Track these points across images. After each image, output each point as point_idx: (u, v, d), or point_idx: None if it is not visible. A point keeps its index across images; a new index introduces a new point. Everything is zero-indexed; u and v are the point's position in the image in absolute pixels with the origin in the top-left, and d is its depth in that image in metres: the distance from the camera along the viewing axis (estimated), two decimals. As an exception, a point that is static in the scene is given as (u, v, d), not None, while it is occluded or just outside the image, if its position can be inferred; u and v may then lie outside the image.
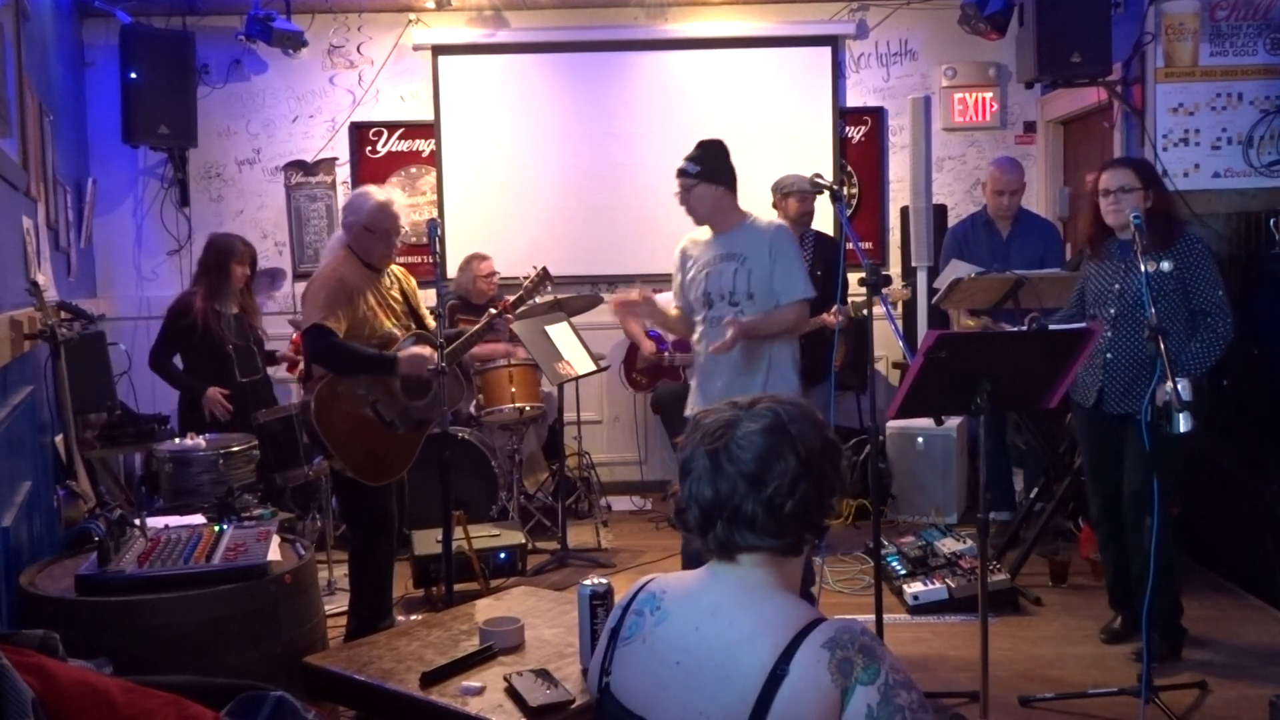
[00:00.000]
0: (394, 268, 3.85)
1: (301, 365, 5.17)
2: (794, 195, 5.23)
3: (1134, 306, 3.63)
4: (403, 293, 3.86)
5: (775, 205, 5.29)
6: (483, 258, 5.77)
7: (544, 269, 4.31)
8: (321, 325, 3.51)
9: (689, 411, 3.69)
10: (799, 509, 1.58)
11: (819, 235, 5.43)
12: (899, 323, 4.73)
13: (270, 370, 5.17)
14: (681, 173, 3.69)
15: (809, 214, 5.31)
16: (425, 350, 3.64)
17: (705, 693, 1.54)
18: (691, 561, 3.66)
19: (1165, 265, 3.63)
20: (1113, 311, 3.70)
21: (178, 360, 4.86)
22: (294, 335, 5.22)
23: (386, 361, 3.61)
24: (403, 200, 3.82)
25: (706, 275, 3.70)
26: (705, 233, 3.76)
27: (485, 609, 3.00)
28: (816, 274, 5.10)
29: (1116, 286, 3.71)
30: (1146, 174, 3.71)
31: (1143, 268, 3.25)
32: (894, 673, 1.51)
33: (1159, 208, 3.63)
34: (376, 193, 3.74)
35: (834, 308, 4.85)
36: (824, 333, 4.89)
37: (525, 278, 4.30)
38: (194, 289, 4.90)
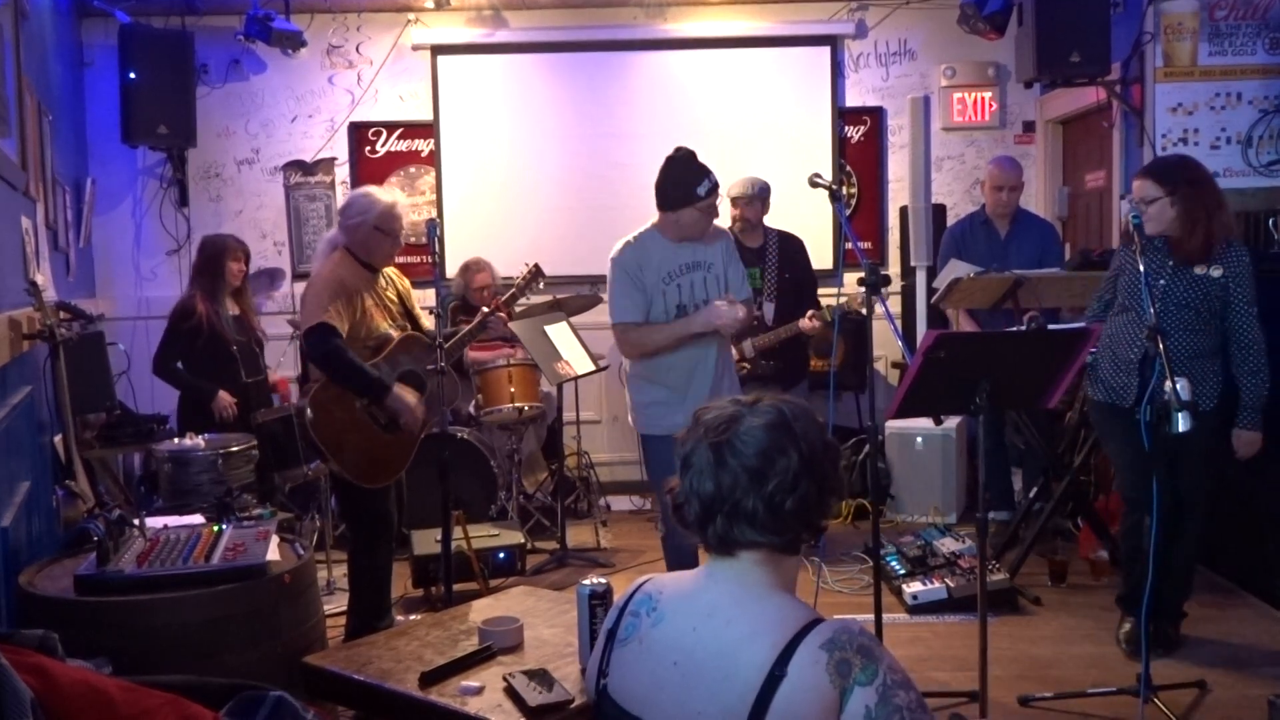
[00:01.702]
0: (388, 269, 3.86)
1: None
2: (732, 200, 4.96)
3: (1179, 308, 3.58)
4: (398, 294, 3.86)
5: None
6: (479, 269, 5.67)
7: (536, 266, 4.30)
8: (325, 323, 3.50)
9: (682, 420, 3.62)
10: (799, 506, 1.59)
11: (782, 235, 5.14)
12: (898, 322, 4.73)
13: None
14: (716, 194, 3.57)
15: (745, 220, 4.99)
16: (416, 405, 3.66)
17: (703, 693, 1.54)
18: (676, 558, 3.66)
19: (1215, 271, 3.56)
20: (1157, 307, 3.52)
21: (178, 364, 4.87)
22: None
23: (380, 388, 3.60)
24: (403, 200, 3.82)
25: (678, 287, 3.67)
26: (652, 241, 3.66)
27: (484, 609, 2.99)
28: (785, 276, 5.07)
29: (1162, 282, 3.61)
30: (1171, 178, 3.54)
31: (1141, 267, 3.25)
32: (892, 673, 1.51)
33: (1192, 210, 3.50)
34: (381, 193, 3.74)
35: (809, 313, 4.80)
36: (799, 335, 4.87)
37: (520, 276, 4.30)
38: (192, 291, 4.90)
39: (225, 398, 4.77)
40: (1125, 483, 3.90)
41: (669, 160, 3.64)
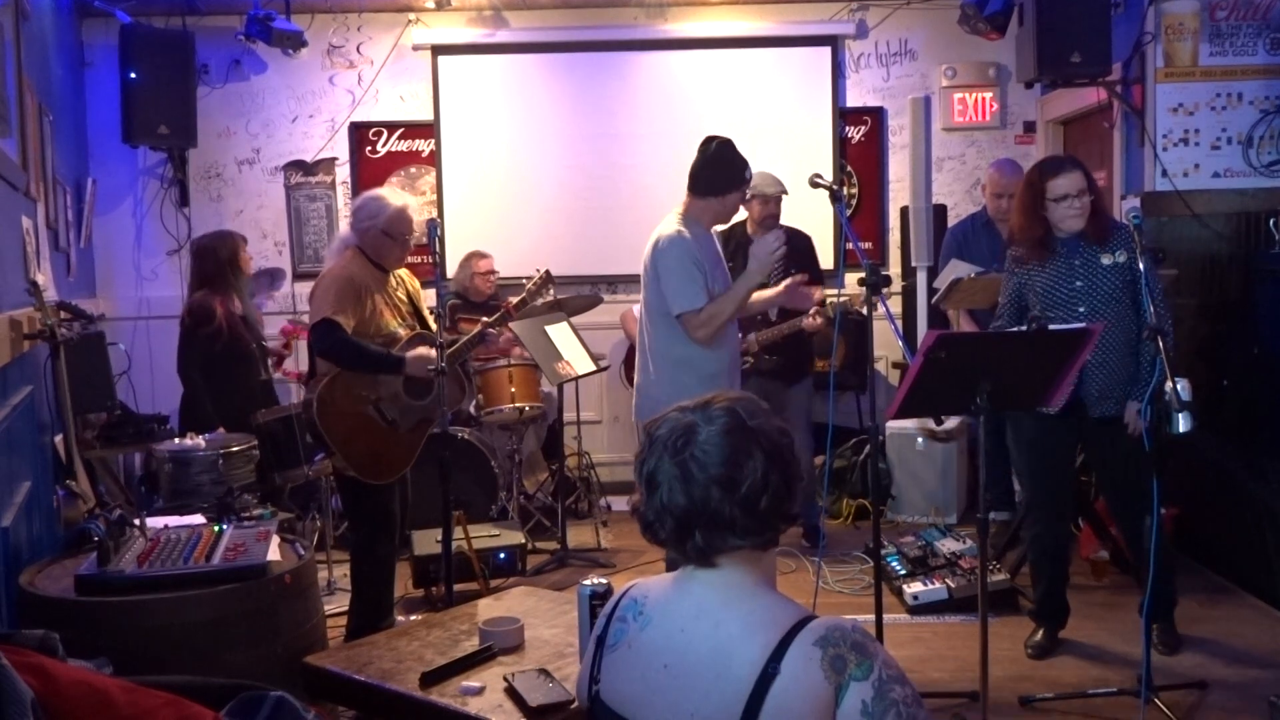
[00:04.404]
0: (399, 269, 3.88)
1: (286, 363, 5.18)
2: (756, 198, 4.96)
3: (1105, 303, 3.55)
4: (408, 294, 3.89)
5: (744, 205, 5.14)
6: (482, 255, 5.78)
7: (547, 272, 4.33)
8: (330, 319, 3.51)
9: None
10: (773, 502, 1.58)
11: (791, 232, 4.94)
12: (899, 323, 4.73)
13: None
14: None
15: (772, 217, 5.01)
16: (429, 351, 3.65)
17: (696, 694, 1.55)
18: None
19: (1120, 257, 3.56)
20: (1082, 310, 3.57)
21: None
22: (282, 326, 5.19)
23: (394, 361, 3.61)
24: (413, 203, 3.83)
25: (722, 272, 3.73)
26: (694, 228, 3.64)
27: (485, 609, 3.00)
28: (791, 272, 5.07)
29: (1079, 284, 3.59)
30: (1087, 171, 3.61)
31: (1141, 266, 3.24)
32: (887, 668, 1.51)
33: (1099, 203, 3.57)
34: (393, 197, 3.75)
35: (812, 309, 4.79)
36: (801, 332, 4.88)
37: (528, 279, 4.30)
38: (209, 293, 4.81)
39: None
40: (1031, 489, 3.90)
41: (716, 147, 3.64)
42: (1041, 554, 3.88)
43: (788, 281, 3.85)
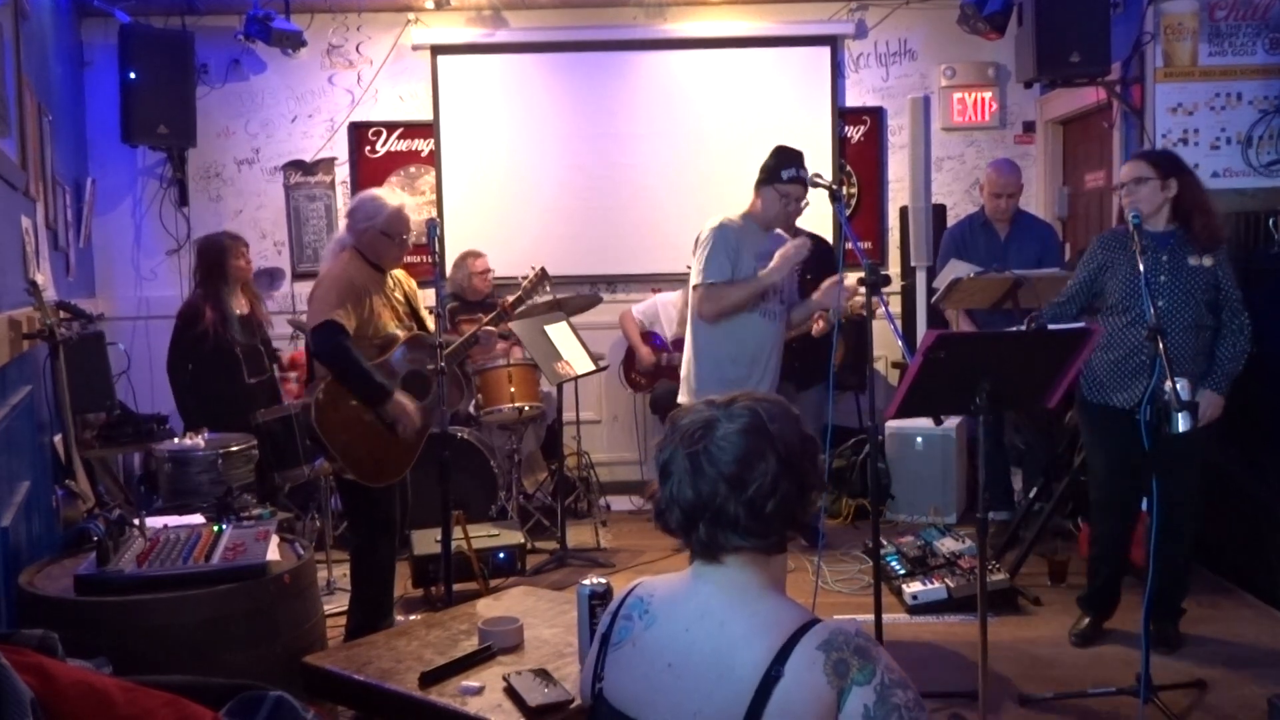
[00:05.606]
0: (396, 270, 3.87)
1: (293, 383, 5.18)
2: None
3: (1183, 303, 3.59)
4: (405, 295, 3.88)
5: None
6: (477, 255, 5.79)
7: (542, 269, 4.32)
8: (333, 321, 3.50)
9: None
10: (781, 508, 1.58)
11: (810, 237, 5.21)
12: (898, 322, 4.73)
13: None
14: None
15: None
16: (415, 412, 3.65)
17: (699, 694, 1.55)
18: None
19: (1207, 261, 3.61)
20: (1161, 304, 3.56)
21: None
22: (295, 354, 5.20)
23: (381, 393, 3.58)
24: (410, 203, 3.82)
25: (764, 267, 3.79)
26: (747, 224, 3.80)
27: (484, 609, 3.00)
28: (806, 278, 5.08)
29: (1163, 279, 3.61)
30: (1166, 165, 3.63)
31: (1140, 266, 3.25)
32: (889, 672, 1.51)
33: (1186, 200, 3.58)
34: (389, 197, 3.74)
35: (815, 315, 4.79)
36: (809, 336, 4.87)
37: (524, 278, 4.30)
38: (201, 294, 4.85)
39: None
40: (1103, 486, 3.91)
41: (770, 149, 3.84)
42: (1107, 552, 3.92)
43: (826, 283, 3.88)
